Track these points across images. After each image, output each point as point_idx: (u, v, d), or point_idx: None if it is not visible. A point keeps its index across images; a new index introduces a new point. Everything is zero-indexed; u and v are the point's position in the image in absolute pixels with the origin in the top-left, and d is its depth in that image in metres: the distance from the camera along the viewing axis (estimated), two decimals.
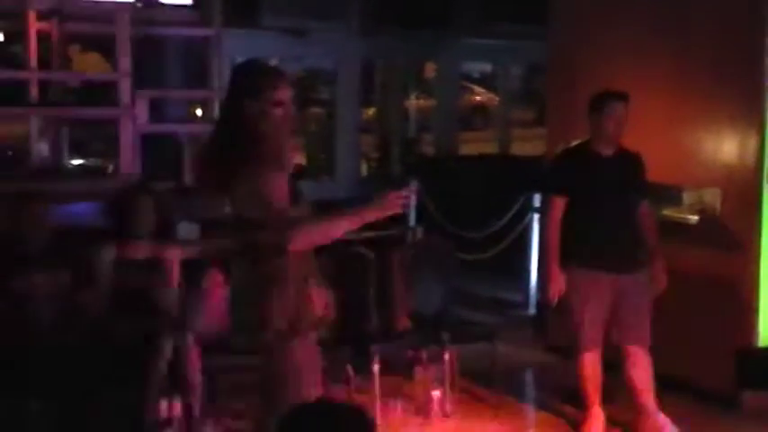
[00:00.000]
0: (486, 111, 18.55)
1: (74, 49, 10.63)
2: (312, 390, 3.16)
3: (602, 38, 5.89)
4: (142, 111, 6.70)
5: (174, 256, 4.63)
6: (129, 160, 6.61)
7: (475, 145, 12.12)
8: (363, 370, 5.49)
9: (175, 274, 4.60)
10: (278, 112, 3.21)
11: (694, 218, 5.30)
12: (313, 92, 13.34)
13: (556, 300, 4.70)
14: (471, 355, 5.42)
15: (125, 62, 6.84)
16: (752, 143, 5.13)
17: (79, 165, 10.19)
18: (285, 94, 3.23)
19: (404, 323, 5.27)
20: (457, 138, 10.64)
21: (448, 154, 10.27)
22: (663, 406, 4.74)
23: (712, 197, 5.25)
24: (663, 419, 4.68)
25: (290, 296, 3.15)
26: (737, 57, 5.20)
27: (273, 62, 9.76)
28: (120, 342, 4.25)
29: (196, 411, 4.22)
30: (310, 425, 1.91)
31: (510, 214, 7.12)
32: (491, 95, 18.14)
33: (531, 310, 6.86)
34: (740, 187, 5.18)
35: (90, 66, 10.85)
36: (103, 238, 4.59)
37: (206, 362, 4.34)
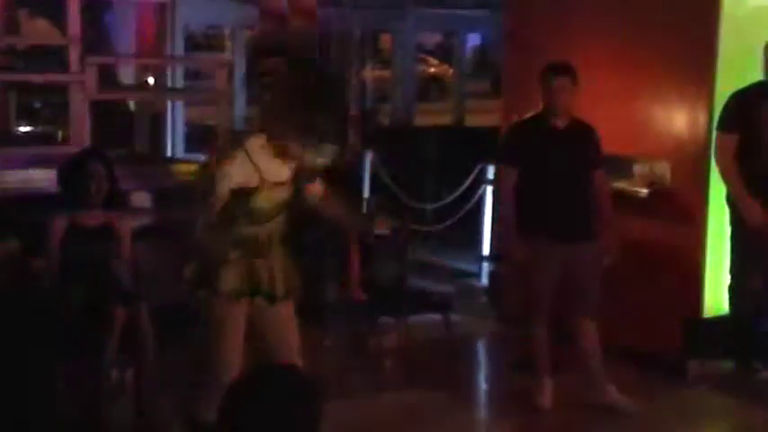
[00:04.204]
0: (441, 82, 18.55)
1: (22, 14, 10.38)
2: (232, 353, 3.41)
3: (558, 10, 5.92)
4: (92, 77, 6.58)
5: (127, 225, 4.58)
6: (79, 127, 6.50)
7: (430, 116, 12.12)
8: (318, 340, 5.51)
9: (127, 242, 4.56)
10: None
11: (644, 190, 5.38)
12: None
13: (519, 265, 4.72)
14: (425, 325, 5.47)
15: (75, 27, 6.71)
16: (701, 117, 5.22)
17: (28, 131, 9.98)
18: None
19: (358, 293, 5.29)
20: (413, 109, 10.62)
21: (404, 125, 10.26)
22: (611, 375, 4.83)
23: (662, 170, 5.33)
24: (611, 388, 4.77)
25: (205, 251, 3.45)
26: (688, 32, 5.26)
27: (227, 30, 9.65)
28: (72, 311, 4.21)
29: (149, 380, 4.20)
30: (259, 391, 1.92)
31: (464, 186, 7.15)
32: (445, 67, 18.15)
33: (484, 281, 6.93)
34: (689, 160, 5.26)
35: (39, 31, 10.61)
36: (55, 205, 4.53)
37: (159, 331, 4.32)
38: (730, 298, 5.15)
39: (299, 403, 1.92)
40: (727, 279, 5.18)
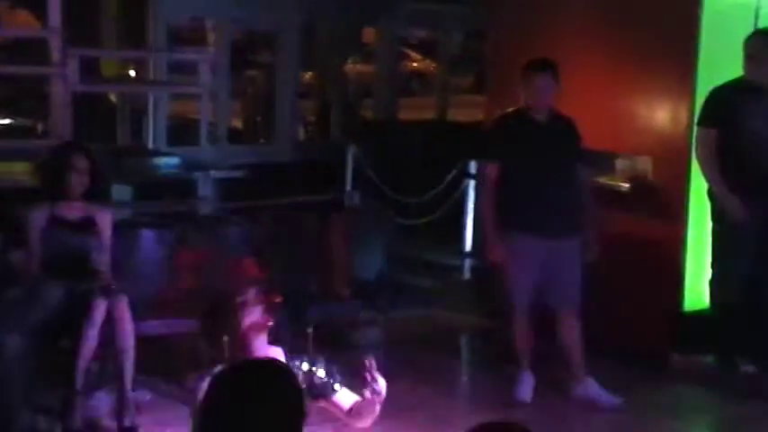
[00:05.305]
0: (424, 77, 18.54)
1: (3, 6, 10.31)
2: None
3: (542, 7, 5.93)
4: (74, 70, 6.53)
5: (107, 218, 4.56)
6: (60, 120, 6.46)
7: (413, 111, 12.12)
8: (301, 334, 5.49)
9: (108, 235, 4.54)
10: None
11: (626, 184, 5.40)
12: (252, 54, 13.16)
13: (496, 264, 4.74)
14: (408, 320, 5.47)
15: (56, 19, 6.65)
16: (682, 113, 5.24)
17: (8, 124, 9.92)
18: None
19: (342, 288, 5.28)
20: (396, 103, 10.61)
21: (387, 119, 10.25)
22: (593, 368, 4.84)
23: (644, 164, 5.36)
24: (592, 382, 4.79)
25: None
26: (670, 28, 5.29)
27: (210, 23, 9.59)
28: (52, 304, 4.18)
29: (128, 373, 4.18)
30: (238, 383, 1.93)
31: (447, 180, 7.15)
32: (428, 62, 18.14)
33: (467, 275, 6.93)
34: (671, 155, 5.29)
35: (19, 23, 10.54)
36: (35, 198, 4.50)
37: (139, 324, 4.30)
38: (711, 292, 5.18)
39: (281, 396, 1.93)
40: (708, 273, 5.21)
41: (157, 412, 4.29)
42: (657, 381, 5.16)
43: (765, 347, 5.16)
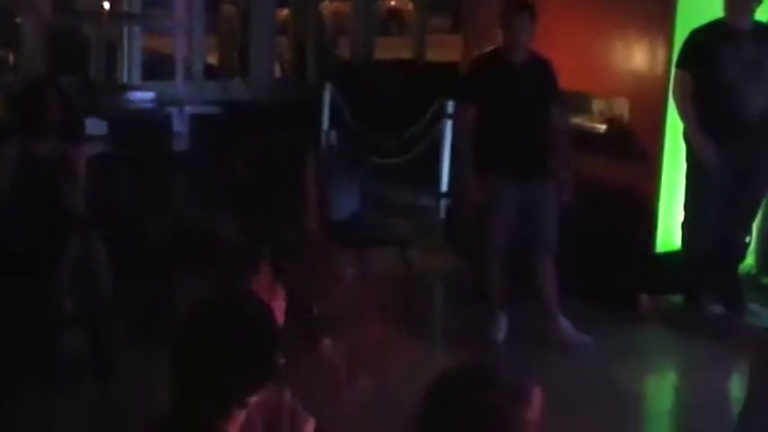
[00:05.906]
0: (401, 17, 18.35)
1: None
2: None
3: None
4: (46, 2, 6.39)
5: (81, 153, 4.51)
6: (32, 52, 6.34)
7: (390, 51, 12.00)
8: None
9: (82, 171, 4.49)
10: None
11: (602, 126, 5.41)
12: None
13: (473, 205, 4.75)
14: (383, 260, 5.49)
15: None
16: (660, 55, 5.23)
17: None
18: None
19: (317, 226, 5.28)
20: (373, 43, 10.50)
21: (363, 59, 10.15)
22: (566, 310, 4.90)
23: (620, 107, 5.35)
24: (565, 324, 4.85)
25: None
26: None
27: None
28: (25, 240, 4.15)
29: (102, 309, 4.18)
30: (215, 316, 1.94)
31: (424, 120, 7.13)
32: (405, 1, 17.94)
33: (443, 216, 6.94)
34: (647, 98, 5.29)
35: None
36: (7, 133, 4.43)
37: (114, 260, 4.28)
38: (683, 234, 5.23)
39: (257, 326, 1.94)
40: (680, 215, 5.25)
41: (137, 350, 4.26)
42: (627, 321, 5.23)
43: (733, 288, 5.25)
